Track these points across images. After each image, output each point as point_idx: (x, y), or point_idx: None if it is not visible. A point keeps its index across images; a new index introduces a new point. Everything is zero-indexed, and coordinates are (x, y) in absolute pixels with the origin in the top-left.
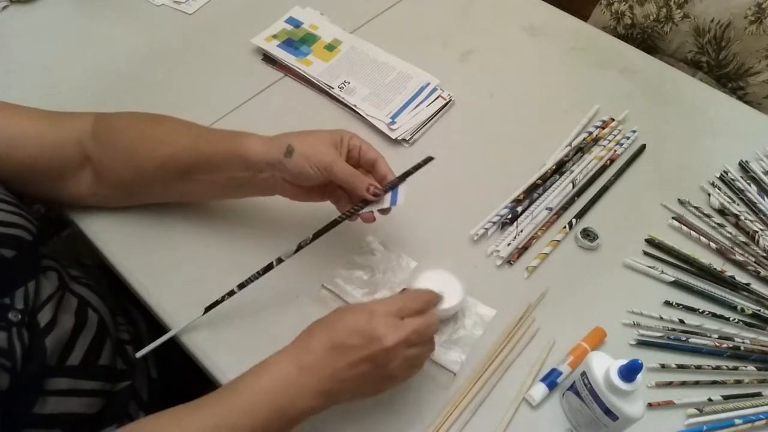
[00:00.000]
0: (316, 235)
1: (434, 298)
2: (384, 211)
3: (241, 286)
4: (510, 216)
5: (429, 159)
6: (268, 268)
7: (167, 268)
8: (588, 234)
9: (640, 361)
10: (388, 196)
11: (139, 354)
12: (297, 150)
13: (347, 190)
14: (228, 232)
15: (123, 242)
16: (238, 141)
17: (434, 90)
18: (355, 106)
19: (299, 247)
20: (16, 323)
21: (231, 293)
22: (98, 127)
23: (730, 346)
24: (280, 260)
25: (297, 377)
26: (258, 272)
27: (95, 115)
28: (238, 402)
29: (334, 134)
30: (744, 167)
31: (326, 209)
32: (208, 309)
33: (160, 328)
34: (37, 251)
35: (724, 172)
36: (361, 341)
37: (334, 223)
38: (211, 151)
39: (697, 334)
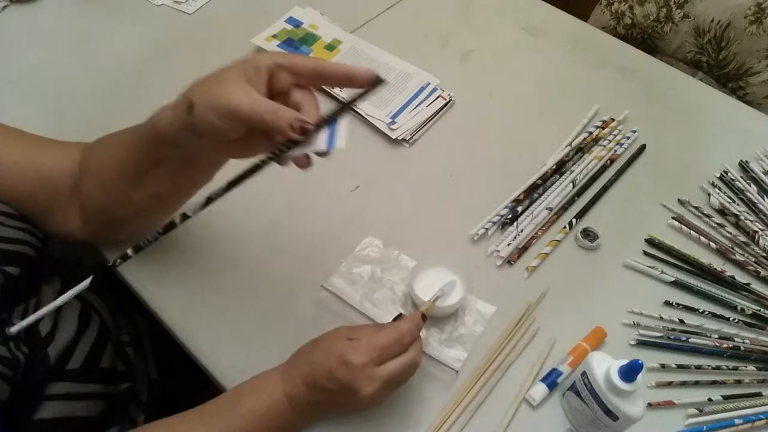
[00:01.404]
0: (231, 184)
1: (417, 327)
2: (321, 154)
3: (137, 248)
4: (510, 216)
5: (378, 80)
6: (170, 226)
7: (167, 267)
8: (588, 234)
9: (640, 361)
10: (324, 135)
11: (13, 329)
12: (199, 101)
13: (271, 134)
14: (229, 230)
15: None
16: (153, 119)
17: (434, 90)
18: (355, 106)
19: (209, 200)
20: (12, 337)
21: (125, 257)
22: (83, 155)
23: (730, 346)
24: (185, 216)
25: (288, 405)
26: (158, 231)
27: (84, 144)
28: (238, 423)
29: (245, 64)
30: (744, 167)
31: None
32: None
33: (161, 328)
34: (41, 266)
35: (724, 172)
36: (337, 388)
37: (255, 168)
38: (142, 139)
39: (697, 334)
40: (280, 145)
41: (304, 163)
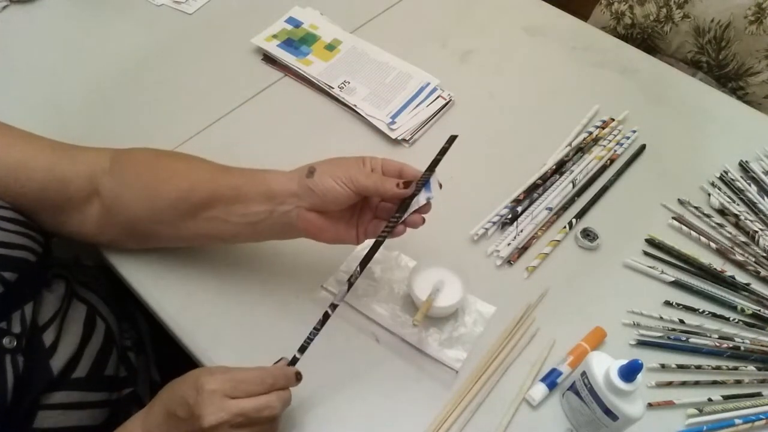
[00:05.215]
0: (363, 264)
1: (285, 376)
2: (423, 209)
3: (302, 349)
4: (510, 216)
5: (453, 138)
6: (325, 318)
7: (167, 267)
8: (588, 234)
9: (640, 361)
10: (422, 195)
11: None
12: (319, 170)
13: (379, 196)
14: None
15: None
16: (259, 174)
17: (434, 90)
18: (355, 106)
19: (350, 284)
20: (10, 350)
21: (294, 360)
22: (116, 164)
23: (730, 346)
24: (334, 306)
25: None
26: (315, 327)
27: (112, 151)
28: None
29: (356, 157)
30: (744, 167)
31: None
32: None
33: (163, 331)
34: (40, 270)
35: (724, 172)
36: (186, 415)
37: (377, 245)
38: (230, 183)
39: (697, 334)
40: (390, 218)
41: (419, 221)
